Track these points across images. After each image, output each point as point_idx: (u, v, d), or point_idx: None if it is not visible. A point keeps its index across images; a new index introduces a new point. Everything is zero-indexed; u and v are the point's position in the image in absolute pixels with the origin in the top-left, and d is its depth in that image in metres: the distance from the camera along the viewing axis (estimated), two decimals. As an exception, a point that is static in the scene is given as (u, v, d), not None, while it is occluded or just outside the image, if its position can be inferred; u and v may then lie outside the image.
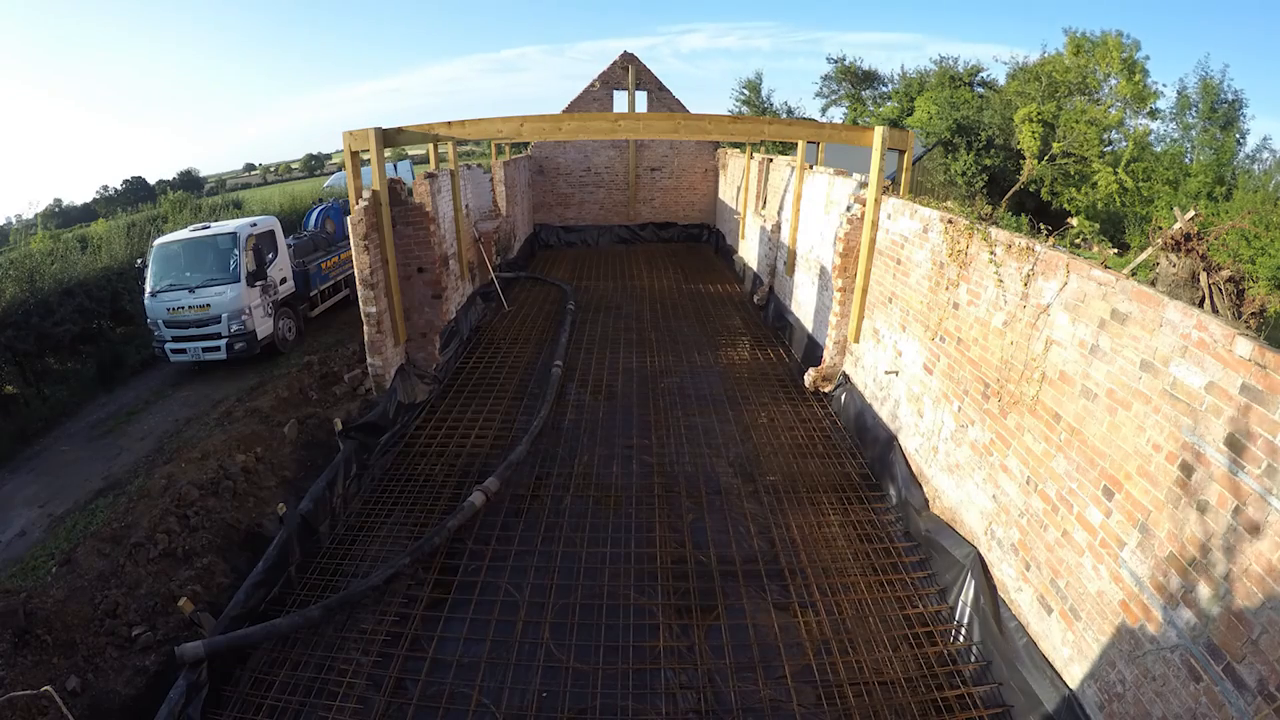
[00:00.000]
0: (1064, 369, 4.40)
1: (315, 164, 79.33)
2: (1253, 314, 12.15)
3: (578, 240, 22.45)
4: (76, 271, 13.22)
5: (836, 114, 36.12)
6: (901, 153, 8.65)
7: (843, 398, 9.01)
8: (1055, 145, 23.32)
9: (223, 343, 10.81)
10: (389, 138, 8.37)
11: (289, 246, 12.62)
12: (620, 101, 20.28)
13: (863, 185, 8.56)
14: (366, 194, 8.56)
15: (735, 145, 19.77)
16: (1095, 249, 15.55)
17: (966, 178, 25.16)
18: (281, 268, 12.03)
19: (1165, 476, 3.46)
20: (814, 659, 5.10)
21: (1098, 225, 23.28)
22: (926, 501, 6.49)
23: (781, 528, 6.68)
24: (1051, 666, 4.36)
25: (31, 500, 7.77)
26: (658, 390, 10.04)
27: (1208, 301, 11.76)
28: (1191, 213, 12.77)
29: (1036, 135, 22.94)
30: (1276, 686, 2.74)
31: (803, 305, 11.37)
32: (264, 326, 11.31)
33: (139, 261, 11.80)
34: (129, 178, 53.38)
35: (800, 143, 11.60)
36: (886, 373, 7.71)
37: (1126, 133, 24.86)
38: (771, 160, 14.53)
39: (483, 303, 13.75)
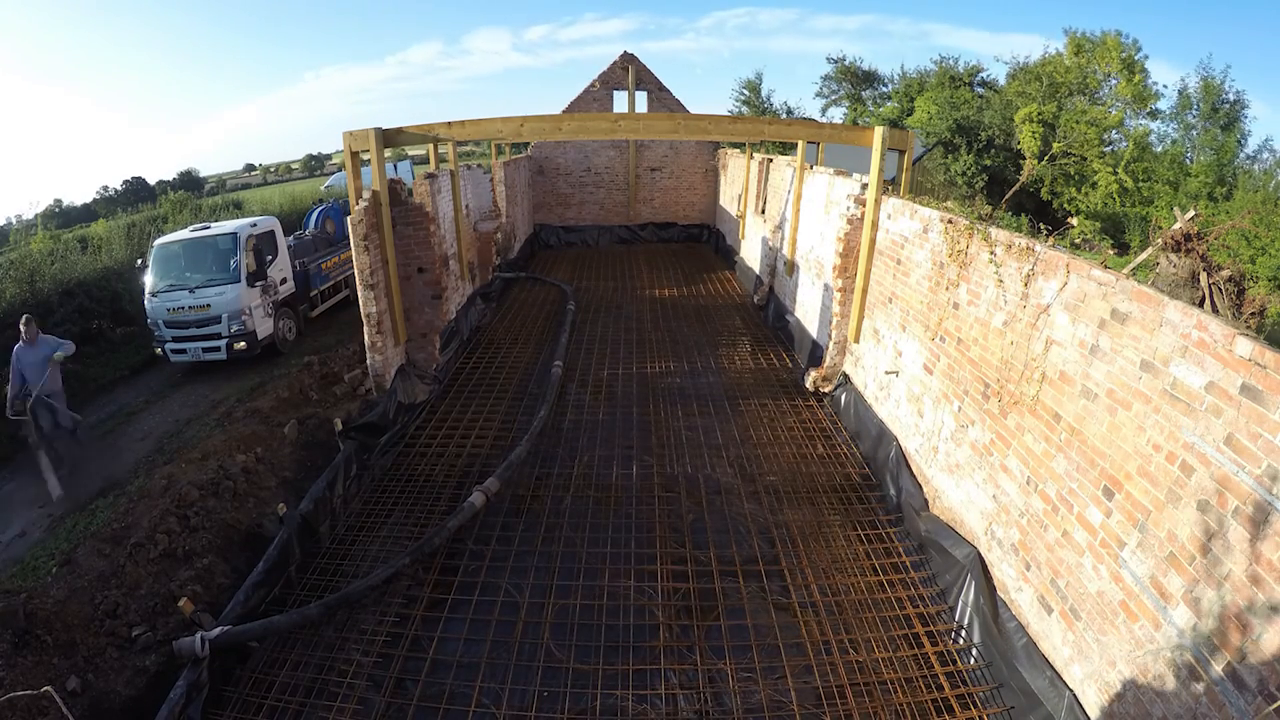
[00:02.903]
0: (1064, 369, 4.39)
1: (315, 164, 79.30)
2: (1253, 314, 12.14)
3: (578, 240, 22.45)
4: (77, 272, 13.22)
5: (836, 114, 36.21)
6: (901, 153, 8.66)
7: (843, 398, 9.01)
8: (1055, 145, 23.33)
9: (223, 343, 10.81)
10: (389, 138, 8.38)
11: (289, 247, 12.63)
12: (620, 102, 20.29)
13: (863, 185, 8.55)
14: (366, 194, 8.56)
15: (735, 145, 19.77)
16: (1099, 249, 15.54)
17: (966, 178, 25.16)
18: (282, 268, 12.03)
19: (1165, 476, 3.46)
20: (814, 659, 5.10)
21: (1098, 225, 23.30)
22: (926, 502, 6.49)
23: (782, 528, 6.68)
24: (1051, 666, 4.36)
25: (31, 500, 7.76)
26: (658, 390, 10.04)
27: (1208, 301, 11.75)
28: (1191, 213, 12.75)
29: (1036, 135, 22.96)
30: (1277, 686, 2.74)
31: (803, 305, 11.37)
32: (264, 327, 11.31)
33: (139, 262, 11.81)
34: (129, 178, 53.18)
35: (800, 143, 11.60)
36: (887, 373, 7.71)
37: (1127, 133, 24.87)
38: (771, 160, 14.52)
39: (483, 303, 13.75)
